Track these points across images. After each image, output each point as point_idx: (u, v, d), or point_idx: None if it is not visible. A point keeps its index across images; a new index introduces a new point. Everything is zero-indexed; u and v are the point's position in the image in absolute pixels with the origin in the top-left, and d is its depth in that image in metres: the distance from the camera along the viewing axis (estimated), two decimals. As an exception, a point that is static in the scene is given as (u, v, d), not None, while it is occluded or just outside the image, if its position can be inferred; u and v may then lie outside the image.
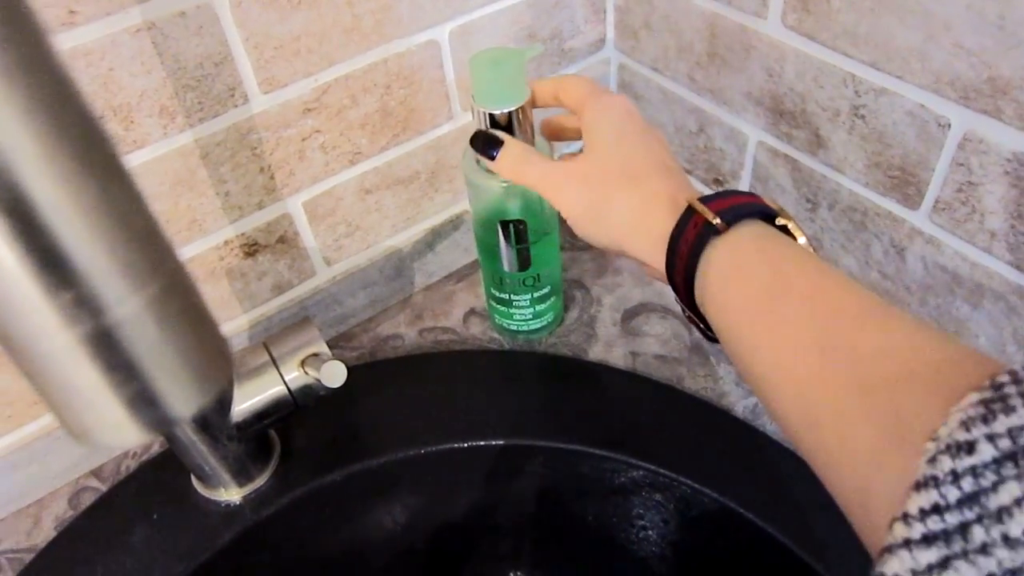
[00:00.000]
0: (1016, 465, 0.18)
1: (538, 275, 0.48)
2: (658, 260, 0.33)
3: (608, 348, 0.52)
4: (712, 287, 0.30)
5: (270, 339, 0.43)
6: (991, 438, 0.18)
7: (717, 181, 0.57)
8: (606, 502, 0.48)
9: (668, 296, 0.55)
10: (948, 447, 0.19)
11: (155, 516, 0.45)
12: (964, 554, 0.17)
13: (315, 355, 0.42)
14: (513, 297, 0.50)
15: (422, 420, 0.48)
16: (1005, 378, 0.20)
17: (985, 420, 0.19)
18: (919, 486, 0.19)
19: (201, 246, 0.46)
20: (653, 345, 0.52)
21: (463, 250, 0.60)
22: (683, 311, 0.34)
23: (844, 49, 0.42)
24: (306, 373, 0.42)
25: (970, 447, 0.19)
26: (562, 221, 0.37)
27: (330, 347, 0.44)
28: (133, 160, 0.41)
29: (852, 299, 0.26)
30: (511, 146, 0.38)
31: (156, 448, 0.49)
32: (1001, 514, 0.17)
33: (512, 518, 0.52)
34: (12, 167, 0.18)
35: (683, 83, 0.55)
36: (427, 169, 0.54)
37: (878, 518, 0.21)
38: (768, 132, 0.50)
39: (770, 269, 0.28)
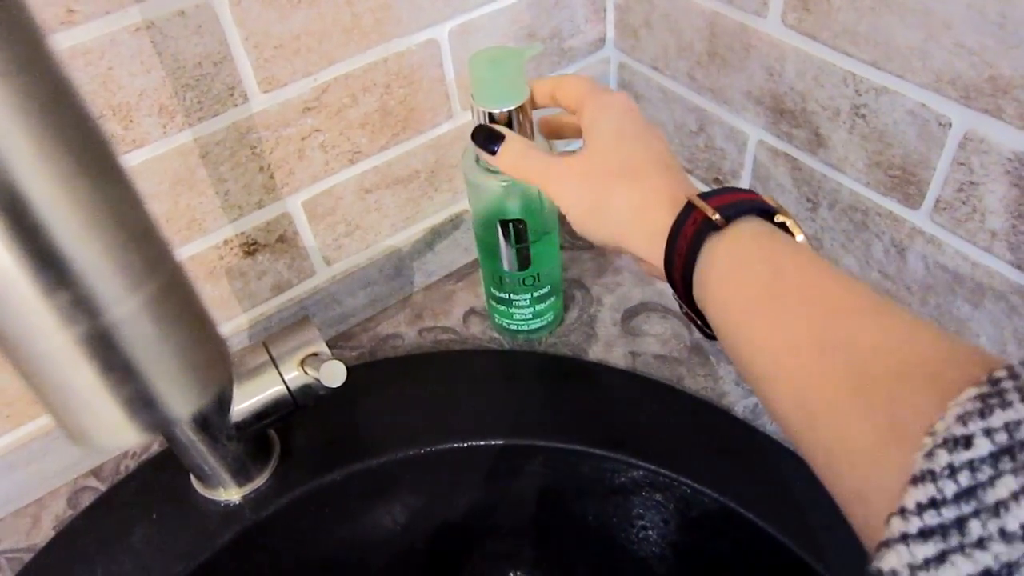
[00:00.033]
0: (1013, 459, 0.18)
1: (538, 274, 0.48)
2: (657, 256, 0.33)
3: (608, 348, 0.52)
4: (710, 283, 0.30)
5: (270, 339, 0.43)
6: (988, 433, 0.18)
7: (717, 180, 0.57)
8: (606, 502, 0.48)
9: (668, 296, 0.55)
10: (945, 442, 0.19)
11: (154, 516, 0.44)
12: (961, 548, 0.17)
13: (315, 355, 0.42)
14: (513, 297, 0.50)
15: (422, 420, 0.48)
16: (1002, 373, 0.20)
17: (982, 415, 0.19)
18: (916, 481, 0.19)
19: (201, 245, 0.46)
20: (653, 345, 0.52)
21: (463, 249, 0.60)
22: (681, 308, 0.34)
23: (844, 48, 0.42)
24: (306, 373, 0.42)
25: (967, 442, 0.19)
26: (562, 220, 0.37)
27: (330, 347, 0.44)
28: (132, 159, 0.41)
29: (850, 295, 0.26)
30: (512, 141, 0.38)
31: (155, 448, 0.49)
32: (998, 508, 0.17)
33: (512, 518, 0.52)
34: (8, 167, 0.18)
35: (683, 82, 0.55)
36: (427, 168, 0.54)
37: (876, 514, 0.21)
38: (768, 131, 0.50)
39: (768, 266, 0.28)
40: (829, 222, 0.49)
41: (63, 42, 0.36)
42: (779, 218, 0.31)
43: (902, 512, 0.19)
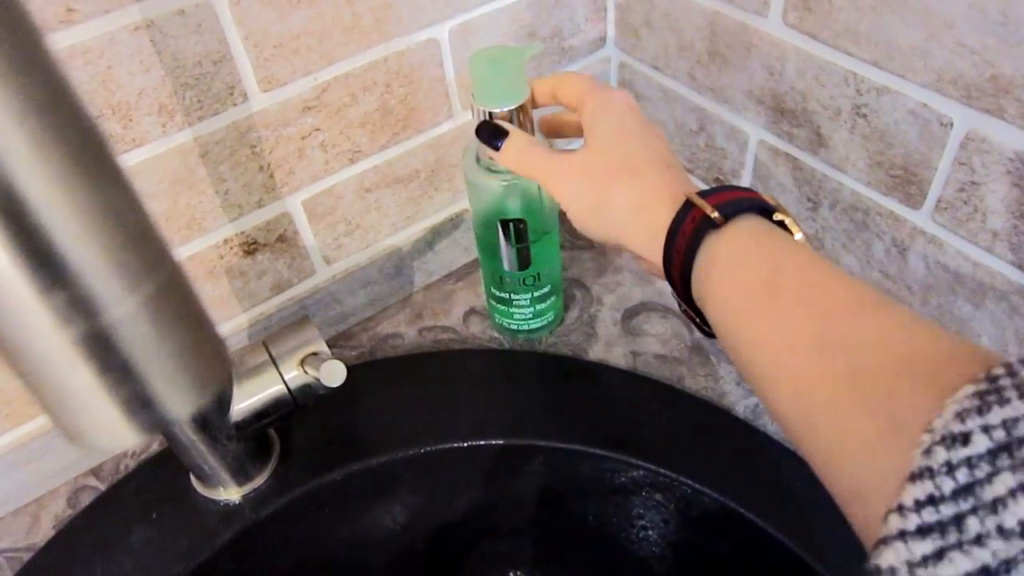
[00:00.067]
0: (1011, 456, 0.18)
1: (538, 274, 0.48)
2: (656, 254, 0.33)
3: (608, 348, 0.52)
4: (709, 281, 0.30)
5: (269, 338, 0.43)
6: (986, 429, 0.18)
7: (718, 180, 0.57)
8: (606, 502, 0.48)
9: (669, 295, 0.55)
10: (943, 438, 0.19)
11: (154, 515, 0.44)
12: (959, 545, 0.17)
13: (314, 354, 0.42)
14: (513, 296, 0.50)
15: (422, 420, 0.48)
16: (1000, 370, 0.20)
17: (980, 411, 0.19)
18: (914, 477, 0.19)
19: (200, 245, 0.46)
20: (653, 345, 0.52)
21: (463, 249, 0.60)
22: (680, 306, 0.34)
23: (845, 47, 0.42)
24: (305, 372, 0.42)
25: (965, 438, 0.19)
26: (562, 220, 0.37)
27: (330, 346, 0.44)
28: (132, 158, 0.41)
29: (848, 293, 0.26)
30: (516, 137, 0.38)
31: (155, 447, 0.49)
32: (996, 505, 0.17)
33: (512, 518, 0.52)
34: (5, 166, 0.17)
35: (684, 81, 0.55)
36: (427, 168, 0.54)
37: (875, 512, 0.21)
38: (769, 131, 0.50)
39: (767, 264, 0.28)
40: (830, 222, 0.49)
41: (62, 41, 0.36)
42: (778, 216, 0.31)
43: (900, 509, 0.19)
